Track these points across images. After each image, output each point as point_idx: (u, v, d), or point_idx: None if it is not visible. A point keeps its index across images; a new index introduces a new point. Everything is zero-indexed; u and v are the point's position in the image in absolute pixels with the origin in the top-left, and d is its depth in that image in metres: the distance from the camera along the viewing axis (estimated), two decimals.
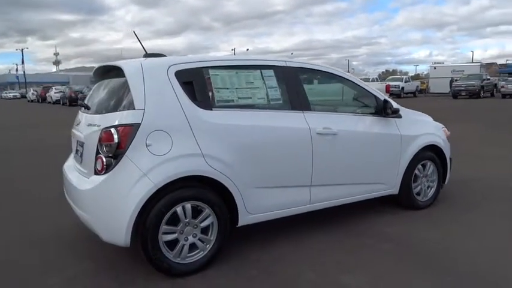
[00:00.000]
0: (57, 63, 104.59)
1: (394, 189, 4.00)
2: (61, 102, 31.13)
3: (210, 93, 3.01)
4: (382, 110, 3.80)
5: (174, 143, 2.75)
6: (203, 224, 2.89)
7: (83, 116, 3.20)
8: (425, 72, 76.35)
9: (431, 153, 4.23)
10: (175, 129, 2.78)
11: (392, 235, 3.53)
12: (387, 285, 2.70)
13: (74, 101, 27.30)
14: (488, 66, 41.67)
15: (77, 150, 3.29)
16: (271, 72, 3.32)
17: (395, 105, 3.81)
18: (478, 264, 2.95)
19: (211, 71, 3.06)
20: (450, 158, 4.46)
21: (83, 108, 3.33)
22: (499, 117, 14.09)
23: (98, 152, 2.75)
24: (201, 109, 2.90)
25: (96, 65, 3.52)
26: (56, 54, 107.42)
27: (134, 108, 2.71)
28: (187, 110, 2.85)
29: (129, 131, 2.66)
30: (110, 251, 3.19)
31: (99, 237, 2.74)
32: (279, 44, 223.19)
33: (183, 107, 2.84)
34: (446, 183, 4.49)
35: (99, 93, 3.28)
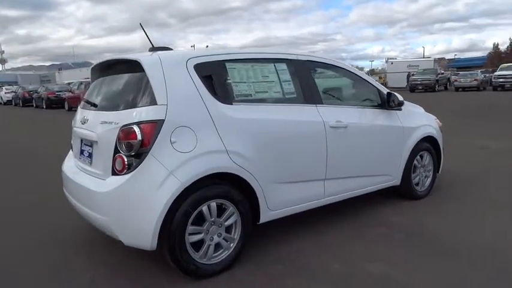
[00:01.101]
0: (2, 61, 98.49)
1: (397, 180, 4.08)
2: (13, 103, 29.40)
3: (229, 88, 2.92)
4: (386, 103, 3.87)
5: (199, 140, 2.64)
6: (227, 223, 2.81)
7: (89, 114, 3.00)
8: (380, 68, 79.12)
9: (427, 144, 4.35)
10: (198, 125, 2.67)
11: (401, 225, 3.60)
12: (410, 272, 2.75)
13: (28, 102, 25.92)
14: (438, 61, 43.78)
15: (82, 151, 3.09)
16: (283, 65, 3.28)
17: (400, 97, 3.88)
18: (490, 247, 3.07)
19: (228, 64, 2.97)
20: (442, 148, 4.61)
21: (88, 105, 3.13)
22: (456, 108, 14.83)
23: (116, 151, 2.59)
24: (222, 104, 2.81)
25: (98, 61, 3.33)
26: (1, 52, 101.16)
27: (156, 104, 2.57)
28: (209, 105, 2.75)
29: (153, 128, 2.52)
30: (120, 254, 3.03)
31: (119, 241, 2.59)
32: (237, 40, 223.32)
33: (205, 101, 2.74)
34: (439, 172, 4.64)
35: (105, 89, 3.10)
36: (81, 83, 20.67)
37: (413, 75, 30.91)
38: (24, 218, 4.11)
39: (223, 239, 2.80)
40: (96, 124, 2.82)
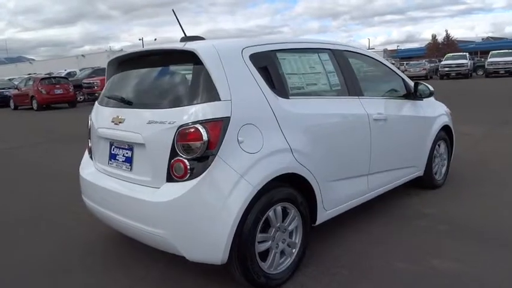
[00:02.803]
0: None
1: (421, 171, 4.04)
2: None
3: (284, 80, 2.67)
4: (414, 94, 3.80)
5: (265, 138, 2.38)
6: (291, 227, 2.58)
7: (124, 112, 2.60)
8: None
9: (443, 132, 4.36)
10: (263, 122, 2.41)
11: (437, 216, 3.55)
12: (478, 266, 2.68)
13: None
14: (387, 52, 45.52)
15: (113, 155, 2.71)
16: (326, 55, 3.08)
17: (431, 88, 3.82)
18: None
19: (279, 55, 2.72)
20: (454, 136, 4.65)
21: (115, 102, 2.73)
22: None
23: (174, 155, 2.26)
24: (281, 98, 2.57)
25: (121, 53, 2.93)
26: None
27: (219, 99, 2.27)
28: (270, 100, 2.49)
29: (219, 127, 2.23)
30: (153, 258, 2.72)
31: (177, 256, 2.29)
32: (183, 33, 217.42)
33: (266, 96, 2.48)
34: (451, 160, 4.68)
35: (140, 84, 2.73)
36: (29, 78, 19.13)
37: None
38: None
39: (287, 244, 2.58)
40: (140, 124, 2.44)
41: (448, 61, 27.26)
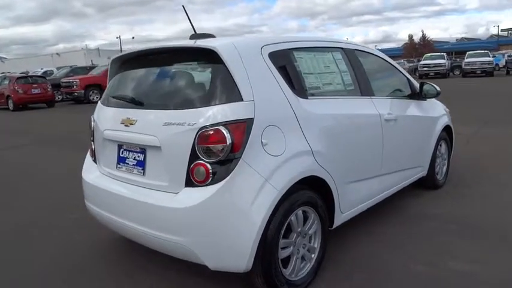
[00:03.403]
0: None
1: (425, 171, 4.04)
2: None
3: (302, 80, 2.59)
4: (419, 94, 3.78)
5: (287, 140, 2.30)
6: (311, 232, 2.50)
7: (135, 113, 2.44)
8: None
9: (444, 132, 4.37)
10: (285, 124, 2.32)
11: (444, 216, 3.54)
12: (495, 268, 2.66)
13: None
14: None
15: (122, 158, 2.57)
16: (339, 54, 3.02)
17: (438, 88, 3.81)
18: None
19: (296, 53, 2.63)
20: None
21: (123, 103, 2.59)
22: None
23: (194, 158, 2.14)
24: (300, 98, 2.48)
25: (127, 51, 2.78)
26: None
27: (242, 100, 2.17)
28: (291, 100, 2.41)
29: (243, 129, 2.12)
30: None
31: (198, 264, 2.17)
32: (162, 31, 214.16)
33: (287, 96, 2.39)
34: (450, 160, 4.71)
35: (151, 83, 2.60)
36: (4, 77, 18.44)
37: None
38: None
39: (307, 250, 2.50)
40: (154, 126, 2.30)
41: (427, 61, 27.79)
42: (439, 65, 26.65)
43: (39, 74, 22.00)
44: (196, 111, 2.18)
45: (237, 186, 2.09)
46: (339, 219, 2.77)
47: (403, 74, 3.80)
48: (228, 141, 2.08)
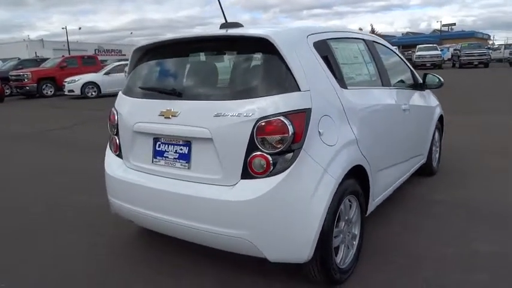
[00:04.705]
0: None
1: (425, 159, 4.22)
2: None
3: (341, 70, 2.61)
4: (422, 84, 3.94)
5: (338, 130, 2.31)
6: (354, 219, 2.55)
7: (176, 105, 2.32)
8: None
9: (438, 121, 4.58)
10: (335, 113, 2.34)
11: (451, 202, 3.71)
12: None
13: None
14: None
15: (159, 152, 2.46)
16: (362, 45, 3.08)
17: (442, 79, 3.97)
18: None
19: (332, 43, 2.64)
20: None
21: (156, 94, 2.47)
22: None
23: (252, 149, 2.10)
24: (342, 88, 2.50)
25: (159, 39, 2.64)
26: None
27: (299, 90, 2.14)
28: (337, 90, 2.41)
29: (303, 119, 2.11)
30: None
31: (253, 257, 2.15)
32: (108, 23, 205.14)
33: (333, 86, 2.40)
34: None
35: (195, 73, 2.51)
36: None
37: None
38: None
39: (351, 237, 2.54)
40: (204, 117, 2.21)
41: (422, 52, 28.32)
42: (435, 55, 27.55)
43: None
44: (253, 102, 2.13)
45: (299, 177, 2.08)
46: (371, 206, 2.83)
47: (407, 65, 3.93)
48: (290, 131, 2.06)
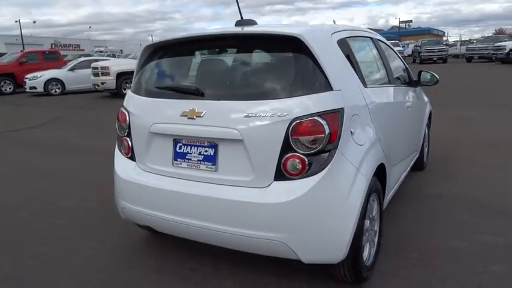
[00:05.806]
0: None
1: (419, 155, 4.33)
2: None
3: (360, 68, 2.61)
4: (416, 81, 4.03)
5: (365, 129, 2.32)
6: (376, 216, 2.57)
7: (200, 105, 2.24)
8: None
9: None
10: (362, 112, 2.34)
11: (447, 196, 3.83)
12: None
13: None
14: None
15: (180, 154, 2.38)
16: (371, 43, 3.11)
17: (437, 76, 4.07)
18: None
19: (350, 42, 2.64)
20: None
21: (174, 94, 2.37)
22: None
23: (287, 150, 2.06)
24: (364, 87, 2.51)
25: (179, 35, 2.54)
26: None
27: (332, 89, 2.12)
28: (362, 89, 2.42)
29: (337, 119, 2.09)
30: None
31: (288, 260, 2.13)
32: (64, 16, 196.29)
33: (359, 84, 2.40)
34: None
35: (219, 72, 2.42)
36: None
37: None
38: None
39: (373, 234, 2.57)
40: (233, 118, 2.14)
41: (428, 46, 28.92)
42: (442, 50, 28.41)
43: None
44: (286, 101, 2.09)
45: (335, 177, 2.07)
46: (385, 203, 2.87)
47: (403, 62, 4.01)
48: (327, 131, 2.04)
